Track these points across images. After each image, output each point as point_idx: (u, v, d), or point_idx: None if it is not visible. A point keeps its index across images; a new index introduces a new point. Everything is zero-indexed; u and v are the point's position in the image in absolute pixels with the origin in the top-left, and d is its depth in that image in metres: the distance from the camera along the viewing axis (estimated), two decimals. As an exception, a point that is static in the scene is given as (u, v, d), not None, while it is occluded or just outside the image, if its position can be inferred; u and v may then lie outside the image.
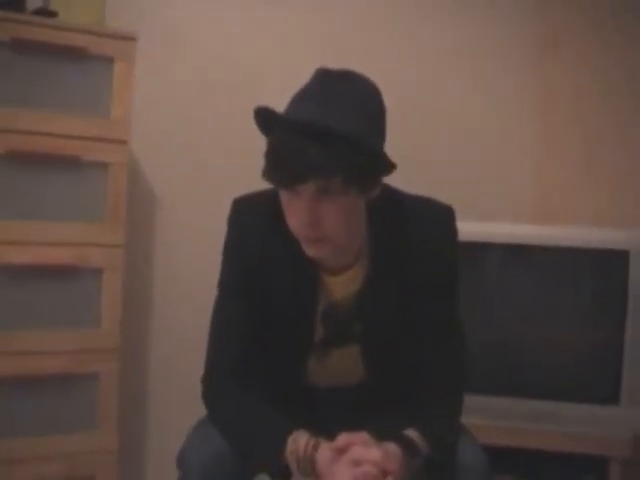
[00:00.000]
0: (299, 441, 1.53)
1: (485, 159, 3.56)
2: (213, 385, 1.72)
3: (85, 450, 2.46)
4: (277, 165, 1.50)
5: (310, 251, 1.60)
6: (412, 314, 1.71)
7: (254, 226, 1.70)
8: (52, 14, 2.45)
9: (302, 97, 1.54)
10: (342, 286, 1.71)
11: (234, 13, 3.11)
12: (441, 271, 1.71)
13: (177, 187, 3.02)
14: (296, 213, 1.54)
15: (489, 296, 2.73)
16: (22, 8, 2.44)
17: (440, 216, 1.73)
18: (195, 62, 3.04)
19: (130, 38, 2.49)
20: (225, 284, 1.75)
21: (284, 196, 1.57)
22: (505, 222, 2.84)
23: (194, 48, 3.03)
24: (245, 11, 3.13)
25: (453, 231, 1.73)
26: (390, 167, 1.54)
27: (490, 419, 2.59)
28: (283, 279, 1.69)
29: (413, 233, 1.69)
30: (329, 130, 1.43)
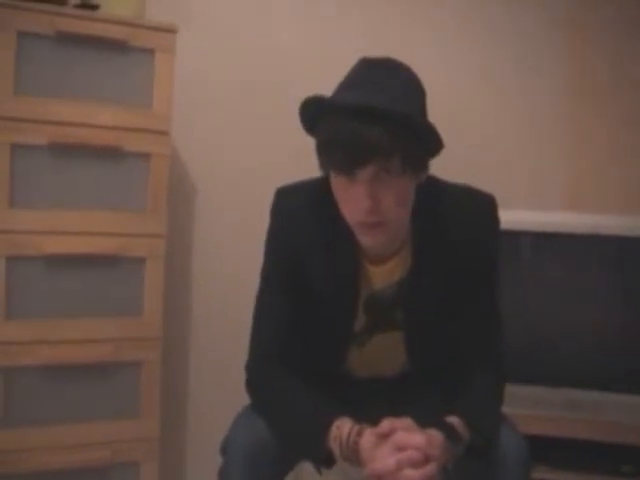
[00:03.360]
0: (343, 427, 1.54)
1: (517, 147, 3.54)
2: (257, 371, 1.73)
3: (128, 437, 2.49)
4: (336, 150, 1.49)
5: (366, 239, 1.59)
6: (453, 302, 1.72)
7: (297, 215, 1.71)
8: (94, 7, 2.49)
9: (351, 84, 1.55)
10: (385, 275, 1.72)
11: (274, 5, 3.12)
12: (483, 258, 1.72)
13: (217, 178, 3.04)
14: (354, 199, 1.53)
15: (524, 285, 2.72)
16: (64, 1, 2.47)
17: (483, 205, 1.73)
18: (235, 54, 3.05)
19: (170, 30, 2.51)
20: (268, 273, 1.77)
21: (339, 183, 1.56)
22: (537, 210, 2.82)
23: (234, 40, 3.05)
24: (285, 3, 3.14)
25: (495, 220, 1.73)
26: (440, 147, 1.55)
27: (527, 408, 2.58)
28: (326, 267, 1.70)
29: (455, 221, 1.69)
30: (385, 111, 1.43)
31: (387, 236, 1.60)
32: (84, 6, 2.48)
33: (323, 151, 1.54)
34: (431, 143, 1.53)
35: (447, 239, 1.68)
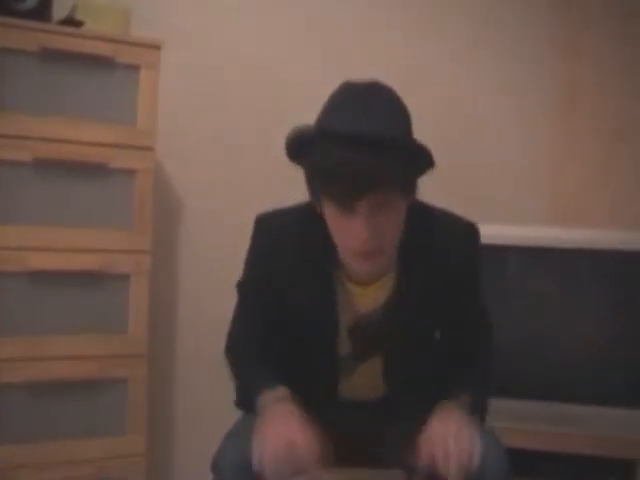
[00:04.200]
0: (273, 395, 1.64)
1: (504, 159, 3.57)
2: (234, 344, 1.85)
3: (114, 454, 2.48)
4: (335, 182, 1.45)
5: (363, 267, 1.57)
6: (437, 322, 1.74)
7: (277, 238, 1.70)
8: (78, 24, 2.49)
9: (338, 109, 1.50)
10: (370, 297, 1.71)
11: (254, 17, 3.13)
12: (466, 277, 1.74)
13: (202, 193, 3.04)
14: (351, 229, 1.49)
15: (510, 299, 2.73)
16: (49, 18, 2.48)
17: (465, 230, 1.74)
18: (219, 70, 3.06)
19: (155, 46, 2.52)
20: (245, 286, 1.80)
21: (334, 214, 1.52)
22: (524, 225, 2.83)
23: (218, 55, 3.06)
24: (264, 15, 3.15)
25: (477, 245, 1.75)
26: (432, 166, 1.53)
27: (514, 422, 2.59)
28: (306, 291, 1.69)
29: (439, 244, 1.69)
30: (382, 139, 1.40)
31: (384, 262, 1.60)
32: (68, 22, 2.49)
33: (319, 182, 1.51)
34: (424, 164, 1.51)
35: (430, 260, 1.68)
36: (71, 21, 2.50)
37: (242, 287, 1.81)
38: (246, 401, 1.72)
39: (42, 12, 2.46)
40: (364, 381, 1.78)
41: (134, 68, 2.50)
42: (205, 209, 3.04)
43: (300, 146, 1.51)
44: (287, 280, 1.69)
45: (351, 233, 1.50)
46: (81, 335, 2.43)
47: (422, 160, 1.49)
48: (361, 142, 1.38)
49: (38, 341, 2.37)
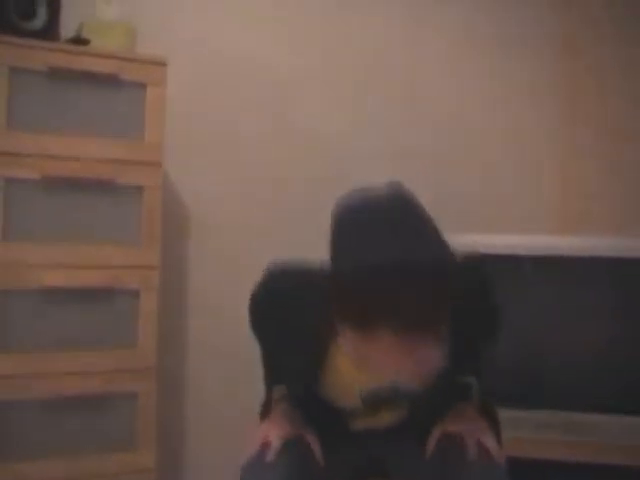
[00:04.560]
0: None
1: (505, 164, 3.58)
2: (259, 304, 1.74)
3: (124, 469, 2.49)
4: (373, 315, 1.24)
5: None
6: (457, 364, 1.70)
7: (285, 296, 1.62)
8: (85, 42, 2.51)
9: (362, 233, 1.28)
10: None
11: (260, 30, 3.16)
12: (483, 319, 1.67)
13: (210, 207, 3.06)
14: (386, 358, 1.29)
15: (518, 309, 2.73)
16: (56, 37, 2.50)
17: (471, 264, 1.64)
18: (226, 84, 3.09)
19: (161, 63, 2.54)
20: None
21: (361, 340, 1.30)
22: (528, 233, 2.83)
23: (225, 69, 3.09)
24: (270, 27, 3.18)
25: (487, 276, 1.65)
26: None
27: (523, 432, 2.59)
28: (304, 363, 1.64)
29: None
30: (422, 267, 1.23)
31: None
32: (76, 41, 2.51)
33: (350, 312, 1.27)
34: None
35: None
36: (78, 40, 2.52)
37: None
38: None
39: (50, 31, 2.49)
40: (384, 419, 1.76)
41: (140, 85, 2.52)
42: (213, 224, 3.06)
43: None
44: (284, 332, 1.63)
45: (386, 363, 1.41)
46: (91, 350, 2.44)
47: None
48: (398, 272, 1.24)
49: (48, 357, 2.39)
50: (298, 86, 3.19)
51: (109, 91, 2.49)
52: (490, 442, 1.59)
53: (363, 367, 1.31)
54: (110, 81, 2.49)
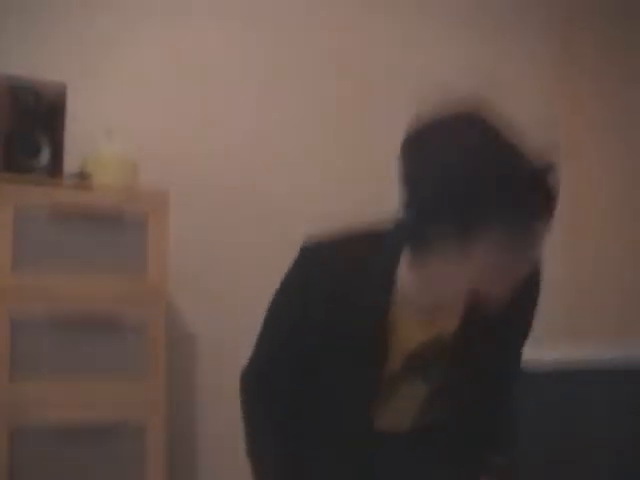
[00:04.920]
0: None
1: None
2: (249, 385, 1.78)
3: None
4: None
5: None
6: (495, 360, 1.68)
7: (328, 272, 1.58)
8: (87, 177, 2.58)
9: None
10: (430, 331, 1.62)
11: (252, 159, 3.24)
12: (524, 320, 1.69)
13: (214, 329, 3.07)
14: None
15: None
16: (60, 174, 2.57)
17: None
18: (227, 211, 3.16)
19: (162, 195, 2.60)
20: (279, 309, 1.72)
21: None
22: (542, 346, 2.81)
23: (226, 200, 3.16)
24: (263, 155, 3.26)
25: (539, 285, 1.67)
26: None
27: None
28: (359, 318, 1.57)
29: None
30: None
31: None
32: (78, 177, 2.58)
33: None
34: None
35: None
36: (81, 176, 2.59)
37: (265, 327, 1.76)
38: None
39: (53, 169, 2.56)
40: (401, 405, 1.69)
41: (143, 218, 2.57)
42: (218, 344, 3.07)
43: None
44: (335, 308, 1.57)
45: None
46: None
47: None
48: None
49: None
50: (302, 205, 3.24)
51: (112, 226, 2.54)
52: None
53: (428, 293, 1.46)
54: (113, 217, 2.54)
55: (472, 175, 1.27)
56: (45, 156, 2.56)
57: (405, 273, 1.51)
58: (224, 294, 3.11)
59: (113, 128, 2.73)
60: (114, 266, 2.54)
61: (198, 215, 3.09)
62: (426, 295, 1.50)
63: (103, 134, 2.70)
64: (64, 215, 2.48)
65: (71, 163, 2.72)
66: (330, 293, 1.55)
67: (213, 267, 3.11)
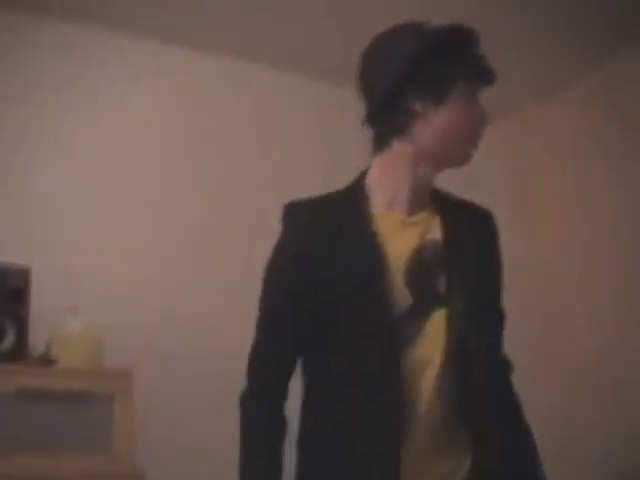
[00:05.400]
0: None
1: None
2: (247, 403, 1.74)
3: None
4: (487, 67, 1.68)
5: (473, 150, 1.70)
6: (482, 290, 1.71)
7: (311, 223, 1.68)
8: (53, 361, 2.60)
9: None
10: (415, 236, 1.67)
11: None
12: (499, 260, 1.79)
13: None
14: (478, 113, 1.69)
15: None
16: (25, 356, 2.59)
17: (488, 212, 1.84)
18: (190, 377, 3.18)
19: (127, 375, 2.62)
20: (267, 304, 1.71)
21: (464, 103, 1.66)
22: None
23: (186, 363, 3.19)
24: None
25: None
26: None
27: None
28: (350, 252, 1.63)
29: (470, 209, 1.81)
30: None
31: None
32: (44, 360, 2.60)
33: (471, 69, 1.67)
34: None
35: (466, 225, 1.74)
36: (46, 358, 2.61)
37: (263, 305, 1.72)
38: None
39: (18, 352, 2.58)
40: (429, 351, 1.62)
41: (108, 397, 2.59)
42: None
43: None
44: (327, 255, 1.63)
45: (478, 116, 1.69)
46: None
47: None
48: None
49: None
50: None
51: (77, 406, 2.55)
52: None
53: (467, 126, 1.66)
54: (78, 397, 2.55)
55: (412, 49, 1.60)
56: (9, 340, 2.59)
57: (375, 179, 1.70)
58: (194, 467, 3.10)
59: (78, 305, 2.78)
60: (81, 445, 2.53)
61: (164, 388, 3.11)
62: (401, 181, 1.67)
63: (67, 312, 2.74)
64: (29, 396, 2.49)
65: (36, 339, 2.74)
66: (317, 238, 1.64)
67: (181, 441, 3.10)
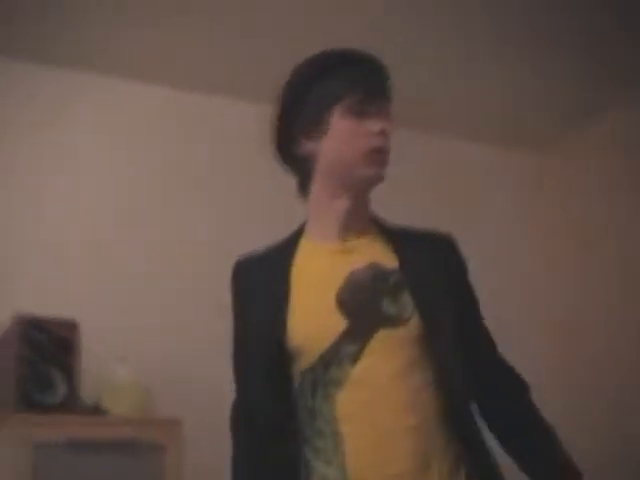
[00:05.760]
0: None
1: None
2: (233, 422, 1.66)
3: None
4: (361, 74, 1.60)
5: (375, 168, 1.57)
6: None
7: (249, 266, 1.67)
8: (103, 411, 2.63)
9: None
10: (356, 255, 1.59)
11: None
12: (462, 276, 1.66)
13: None
14: (368, 131, 1.57)
15: None
16: (76, 407, 2.62)
17: (445, 237, 1.70)
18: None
19: (177, 423, 2.63)
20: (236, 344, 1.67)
21: (348, 122, 1.58)
22: None
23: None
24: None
25: (459, 250, 1.69)
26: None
27: None
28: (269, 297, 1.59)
29: (426, 238, 1.67)
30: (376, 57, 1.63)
31: (386, 171, 1.60)
32: (94, 411, 2.63)
33: (342, 85, 1.60)
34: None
35: (422, 249, 1.62)
36: (96, 408, 2.64)
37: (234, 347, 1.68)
38: None
39: (69, 403, 2.61)
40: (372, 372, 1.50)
41: (159, 446, 2.60)
42: None
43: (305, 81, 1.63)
44: (249, 310, 1.62)
45: (367, 134, 1.57)
46: None
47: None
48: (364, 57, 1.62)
49: None
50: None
51: (128, 455, 2.57)
52: None
53: (354, 147, 1.56)
54: (128, 446, 2.57)
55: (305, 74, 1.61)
56: (60, 392, 2.62)
57: (310, 219, 1.65)
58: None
59: (126, 354, 2.81)
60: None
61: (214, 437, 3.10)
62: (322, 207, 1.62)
63: (116, 362, 2.77)
64: (81, 447, 2.52)
65: (86, 390, 2.77)
66: (247, 293, 1.62)
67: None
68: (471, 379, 1.57)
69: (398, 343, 1.50)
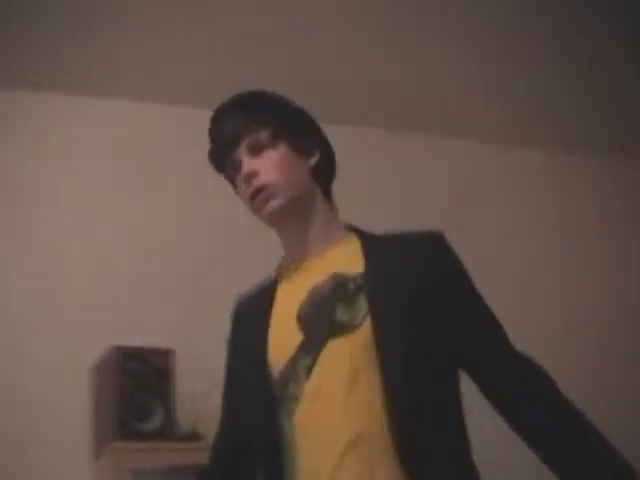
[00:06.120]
0: None
1: None
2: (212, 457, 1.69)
3: None
4: (216, 147, 1.65)
5: (262, 208, 1.56)
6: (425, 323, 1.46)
7: (239, 313, 1.69)
8: (201, 437, 2.65)
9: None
10: (316, 271, 1.56)
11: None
12: (452, 276, 1.53)
13: None
14: (242, 181, 1.58)
15: None
16: (173, 434, 2.66)
17: (432, 233, 1.57)
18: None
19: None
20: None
21: (232, 179, 1.64)
22: None
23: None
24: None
25: (449, 247, 1.56)
26: (317, 134, 1.65)
27: None
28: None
29: (405, 241, 1.56)
30: (242, 98, 1.64)
31: (281, 200, 1.55)
32: (192, 437, 2.66)
33: (217, 160, 1.67)
34: (302, 124, 1.65)
35: (396, 254, 1.52)
36: (194, 434, 2.67)
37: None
38: None
39: (166, 430, 2.65)
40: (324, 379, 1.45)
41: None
42: None
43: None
44: (237, 346, 1.67)
45: (243, 184, 1.58)
46: None
47: (295, 117, 1.65)
48: (228, 110, 1.63)
49: None
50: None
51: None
52: None
53: (245, 199, 1.58)
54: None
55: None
56: (158, 420, 2.66)
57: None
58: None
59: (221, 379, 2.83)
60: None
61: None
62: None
63: (213, 388, 2.79)
64: (178, 473, 2.54)
65: (183, 417, 2.80)
66: (236, 332, 1.66)
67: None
68: (485, 383, 1.48)
69: (347, 351, 1.43)
